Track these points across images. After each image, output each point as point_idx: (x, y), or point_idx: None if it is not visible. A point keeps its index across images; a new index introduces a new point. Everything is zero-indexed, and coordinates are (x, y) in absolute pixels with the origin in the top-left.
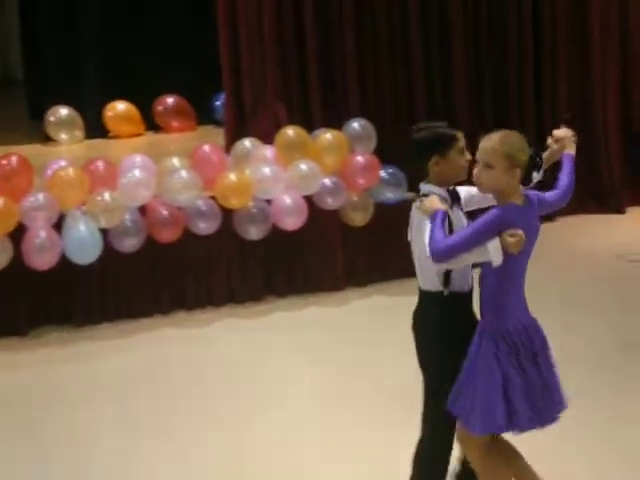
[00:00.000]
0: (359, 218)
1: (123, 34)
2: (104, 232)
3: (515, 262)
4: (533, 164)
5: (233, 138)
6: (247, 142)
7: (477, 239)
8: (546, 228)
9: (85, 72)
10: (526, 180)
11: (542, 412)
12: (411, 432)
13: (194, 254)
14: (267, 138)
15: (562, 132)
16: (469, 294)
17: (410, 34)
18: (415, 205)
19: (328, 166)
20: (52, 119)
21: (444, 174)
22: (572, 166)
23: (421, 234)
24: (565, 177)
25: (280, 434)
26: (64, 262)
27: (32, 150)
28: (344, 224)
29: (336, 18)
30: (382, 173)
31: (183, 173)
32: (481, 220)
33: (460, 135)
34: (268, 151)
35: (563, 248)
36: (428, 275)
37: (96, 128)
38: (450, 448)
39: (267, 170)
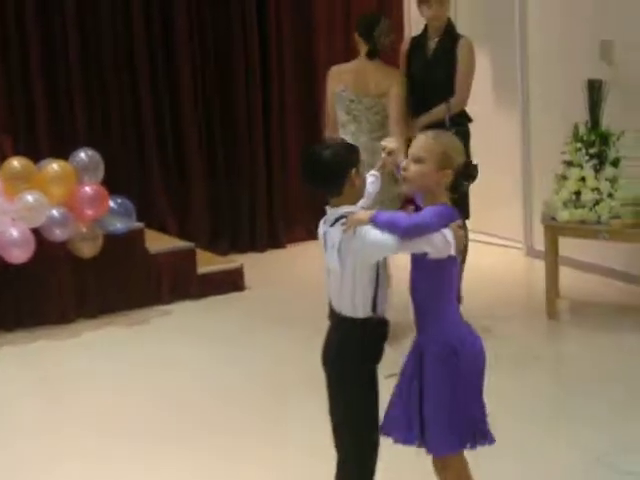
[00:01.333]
0: (88, 249)
1: None
2: None
3: (454, 261)
4: (467, 172)
5: None
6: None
7: (439, 222)
8: (275, 255)
9: None
10: (455, 188)
11: None
12: None
13: None
14: None
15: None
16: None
17: (135, 60)
18: (342, 229)
19: (55, 197)
20: None
21: (358, 190)
22: None
23: (356, 253)
24: None
25: None
26: None
27: None
28: (73, 255)
29: (60, 48)
30: (111, 203)
31: None
32: (432, 211)
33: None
34: None
35: (293, 275)
36: (358, 298)
37: None
38: None
39: None
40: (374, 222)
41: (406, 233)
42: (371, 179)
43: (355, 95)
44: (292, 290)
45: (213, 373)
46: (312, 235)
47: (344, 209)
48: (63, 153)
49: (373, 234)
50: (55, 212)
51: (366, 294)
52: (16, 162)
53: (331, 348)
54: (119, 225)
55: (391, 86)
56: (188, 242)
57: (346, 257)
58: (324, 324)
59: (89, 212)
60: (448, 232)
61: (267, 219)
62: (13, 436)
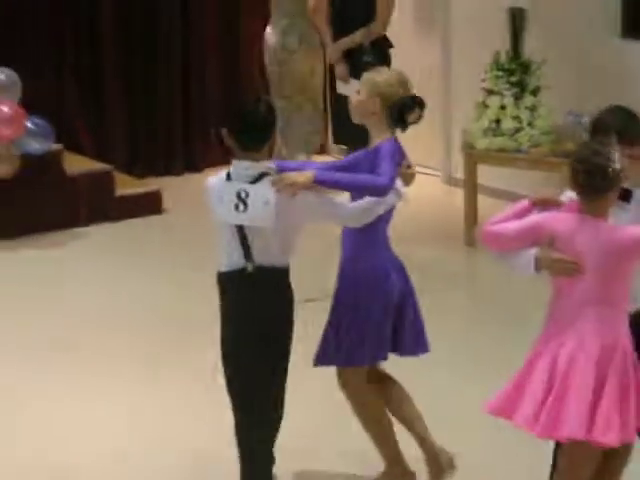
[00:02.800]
0: (4, 169)
1: None
2: None
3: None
4: (408, 104)
5: None
6: None
7: (396, 171)
8: (193, 179)
9: None
10: (402, 122)
11: None
12: None
13: None
14: None
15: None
16: None
17: None
18: (276, 187)
19: None
20: None
21: (271, 147)
22: None
23: (292, 213)
24: None
25: None
26: None
27: None
28: None
29: None
30: (28, 124)
31: None
32: (386, 155)
33: None
34: None
35: None
36: (286, 249)
37: None
38: None
39: None
40: (322, 184)
41: (386, 191)
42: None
43: None
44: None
45: (128, 291)
46: (229, 160)
47: (263, 164)
48: None
49: (358, 204)
50: None
51: (295, 245)
52: None
53: (262, 299)
54: (36, 146)
55: None
56: (106, 164)
57: (282, 215)
58: None
59: (6, 132)
60: (398, 182)
61: (184, 142)
62: None
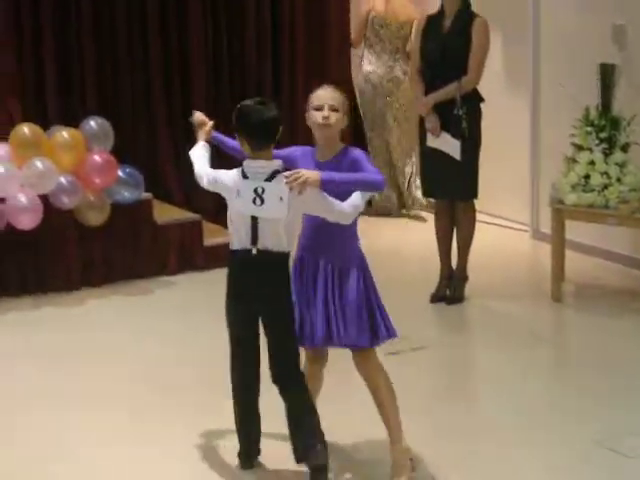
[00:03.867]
0: (95, 218)
1: None
2: None
3: None
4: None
5: None
6: None
7: None
8: None
9: None
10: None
11: None
12: None
13: None
14: (0, 135)
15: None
16: None
17: (149, 36)
18: (289, 183)
19: (64, 164)
20: None
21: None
22: None
23: (300, 206)
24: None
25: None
26: None
27: None
28: (80, 224)
29: (74, 12)
30: (119, 172)
31: None
32: (365, 159)
33: None
34: (2, 149)
35: None
36: (289, 237)
37: None
38: None
39: (1, 168)
40: (329, 184)
41: (380, 190)
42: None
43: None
44: None
45: (213, 346)
46: None
47: (275, 163)
48: (73, 121)
49: (350, 202)
50: (63, 180)
51: (294, 233)
52: (26, 128)
53: (270, 280)
54: (127, 194)
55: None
56: (195, 214)
57: (293, 208)
58: None
59: (97, 181)
60: None
61: None
62: (11, 403)
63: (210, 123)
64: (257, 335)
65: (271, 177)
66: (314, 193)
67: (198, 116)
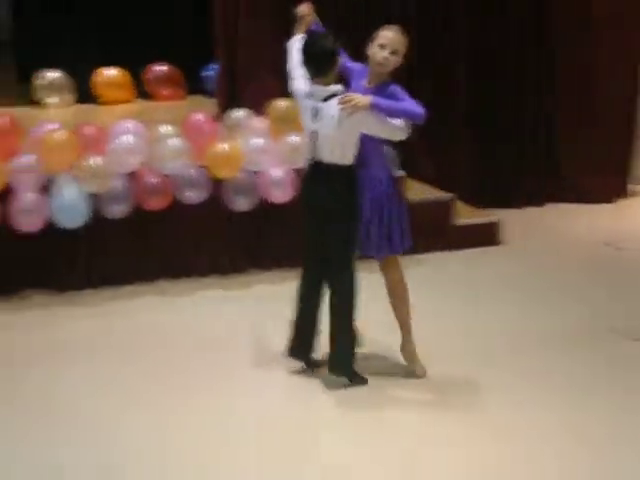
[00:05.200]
0: None
1: (115, 2)
2: (92, 197)
3: None
4: None
5: (224, 108)
6: (239, 112)
7: None
8: (534, 212)
9: (76, 36)
10: None
11: None
12: None
13: (181, 223)
14: (259, 109)
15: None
16: None
17: None
18: (341, 105)
19: None
20: (41, 82)
21: (336, 73)
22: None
23: (352, 125)
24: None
25: (265, 401)
26: (50, 226)
27: (20, 112)
28: None
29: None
30: None
31: (174, 141)
32: (402, 93)
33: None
34: (259, 122)
35: (551, 233)
36: (348, 152)
37: (85, 93)
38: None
39: (258, 141)
40: (375, 108)
41: (419, 120)
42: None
43: None
44: (548, 248)
45: (466, 323)
46: (579, 196)
47: (333, 88)
48: None
49: (385, 123)
50: None
51: (352, 150)
52: (283, 103)
53: (328, 186)
54: None
55: None
56: (447, 193)
57: (342, 128)
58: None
59: None
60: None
61: (527, 175)
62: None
63: (311, 15)
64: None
65: (327, 99)
66: (365, 114)
67: (303, 8)
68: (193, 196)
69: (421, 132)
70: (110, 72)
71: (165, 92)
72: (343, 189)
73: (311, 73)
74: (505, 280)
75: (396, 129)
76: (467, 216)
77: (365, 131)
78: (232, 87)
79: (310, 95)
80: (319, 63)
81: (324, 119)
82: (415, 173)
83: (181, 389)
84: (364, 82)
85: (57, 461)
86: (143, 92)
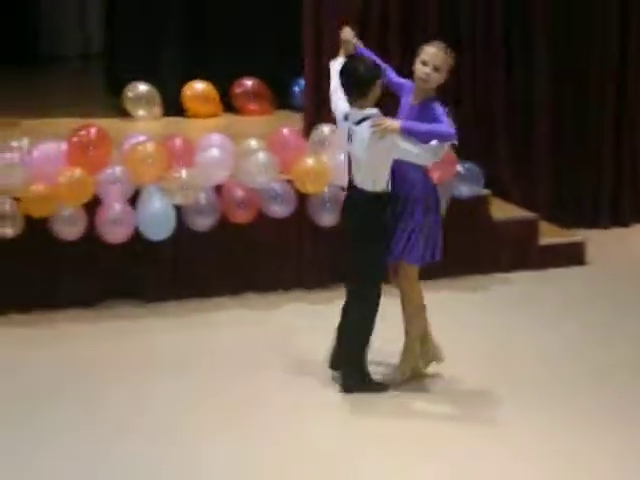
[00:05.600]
0: None
1: (204, 13)
2: (179, 209)
3: None
4: None
5: (311, 123)
6: (325, 128)
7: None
8: (619, 233)
9: (166, 50)
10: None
11: None
12: None
13: (267, 237)
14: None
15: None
16: None
17: (492, 27)
18: (372, 128)
19: None
20: (131, 95)
21: (375, 97)
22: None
23: (383, 149)
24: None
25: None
26: (137, 237)
27: (109, 124)
28: None
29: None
30: (459, 167)
31: (261, 155)
32: (441, 110)
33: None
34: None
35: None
36: (379, 178)
37: (174, 106)
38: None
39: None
40: (406, 131)
41: (450, 140)
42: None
43: None
44: (635, 270)
45: (554, 345)
46: None
47: (367, 111)
48: None
49: (408, 148)
50: None
51: (384, 176)
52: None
53: (358, 212)
54: (465, 190)
55: None
56: (532, 212)
57: (373, 151)
58: None
59: (437, 174)
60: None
61: (612, 195)
62: None
63: (355, 41)
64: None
65: (360, 122)
66: (395, 139)
67: (345, 33)
68: (279, 210)
69: (507, 151)
70: (199, 86)
71: (252, 107)
72: (373, 215)
73: (348, 96)
74: (587, 302)
75: (427, 153)
76: (552, 235)
77: (395, 156)
78: (319, 102)
79: (346, 117)
80: (355, 87)
81: (357, 142)
82: (502, 193)
83: (272, 407)
84: (411, 98)
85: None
86: (231, 106)
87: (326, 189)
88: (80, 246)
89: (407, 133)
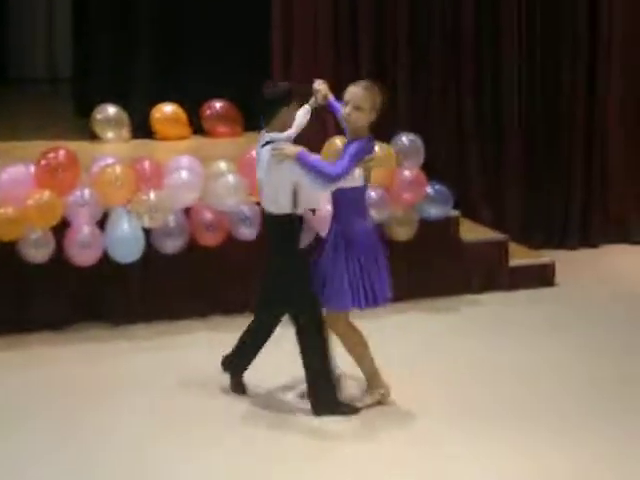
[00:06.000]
0: (403, 232)
1: (174, 36)
2: (147, 232)
3: (365, 183)
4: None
5: None
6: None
7: (353, 166)
8: (588, 255)
9: (134, 72)
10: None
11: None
12: None
13: (235, 259)
14: (314, 148)
15: (321, 85)
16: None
17: (461, 45)
18: (271, 152)
19: (375, 178)
20: (99, 117)
21: (284, 122)
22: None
23: (281, 173)
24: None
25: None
26: (106, 259)
27: (78, 147)
28: (388, 238)
29: (390, 30)
30: (428, 189)
31: (230, 177)
32: (353, 151)
33: (297, 91)
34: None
35: (605, 276)
36: (281, 200)
37: (142, 128)
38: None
39: None
40: (298, 160)
41: (333, 181)
42: (303, 112)
43: None
44: (604, 291)
45: (522, 365)
46: (630, 237)
47: (272, 135)
48: (384, 136)
49: (299, 174)
50: (373, 193)
51: (285, 199)
52: (338, 141)
53: (269, 235)
54: (434, 211)
55: None
56: (501, 234)
57: (271, 174)
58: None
59: (407, 196)
60: (358, 170)
61: (581, 215)
62: None
63: (325, 93)
64: None
65: (264, 145)
66: (292, 165)
67: (320, 84)
68: (247, 232)
69: (476, 172)
70: (167, 108)
71: (222, 129)
72: (280, 239)
73: (263, 118)
74: (556, 323)
75: (317, 183)
76: (522, 257)
77: (291, 179)
78: None
79: (258, 141)
80: (263, 109)
81: (259, 164)
82: (471, 214)
83: (250, 428)
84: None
85: None
86: (200, 128)
87: None
88: (49, 268)
89: (301, 162)
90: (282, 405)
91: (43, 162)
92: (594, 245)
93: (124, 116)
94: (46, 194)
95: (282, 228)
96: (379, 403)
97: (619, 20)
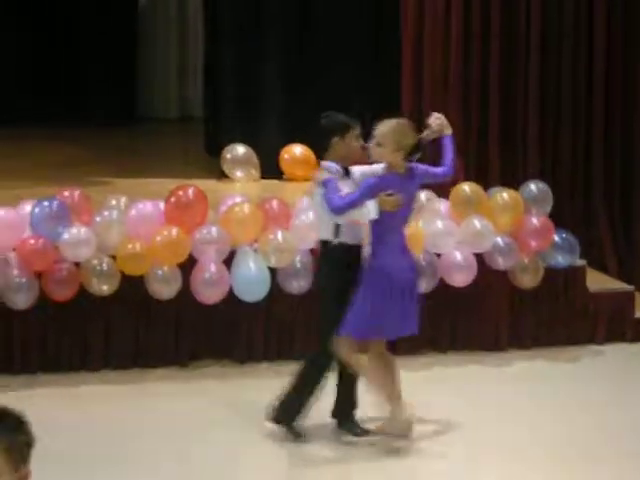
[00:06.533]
0: (528, 280)
1: (306, 76)
2: (273, 271)
3: (391, 217)
4: (417, 147)
5: None
6: (422, 195)
7: (361, 199)
8: None
9: (265, 113)
10: (410, 157)
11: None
12: None
13: None
14: (442, 192)
15: (435, 120)
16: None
17: (593, 95)
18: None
19: (501, 225)
20: (229, 156)
21: (341, 153)
22: (452, 145)
23: (317, 199)
24: (449, 154)
25: None
26: (231, 298)
27: (207, 185)
28: (512, 285)
29: (521, 77)
30: (555, 237)
31: None
32: (364, 185)
33: (356, 125)
34: (442, 205)
35: None
36: (322, 225)
37: (271, 169)
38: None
39: (440, 224)
40: (319, 183)
41: (335, 212)
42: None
43: None
44: None
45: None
46: None
47: (325, 163)
48: (512, 183)
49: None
50: (500, 240)
51: (327, 224)
52: (467, 187)
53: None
54: (561, 260)
55: None
56: (628, 285)
57: (314, 199)
58: None
59: (533, 244)
60: (370, 204)
61: None
62: None
63: (438, 130)
64: None
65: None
66: (319, 190)
67: (437, 119)
68: None
69: (603, 221)
70: (297, 149)
71: None
72: (321, 264)
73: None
74: None
75: (330, 210)
76: None
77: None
78: None
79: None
80: (317, 137)
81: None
82: (598, 264)
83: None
84: None
85: None
86: None
87: (421, 255)
88: (174, 305)
89: (324, 187)
90: None
91: (172, 199)
92: None
93: (253, 156)
94: (174, 231)
95: (321, 255)
96: (399, 435)
97: None
